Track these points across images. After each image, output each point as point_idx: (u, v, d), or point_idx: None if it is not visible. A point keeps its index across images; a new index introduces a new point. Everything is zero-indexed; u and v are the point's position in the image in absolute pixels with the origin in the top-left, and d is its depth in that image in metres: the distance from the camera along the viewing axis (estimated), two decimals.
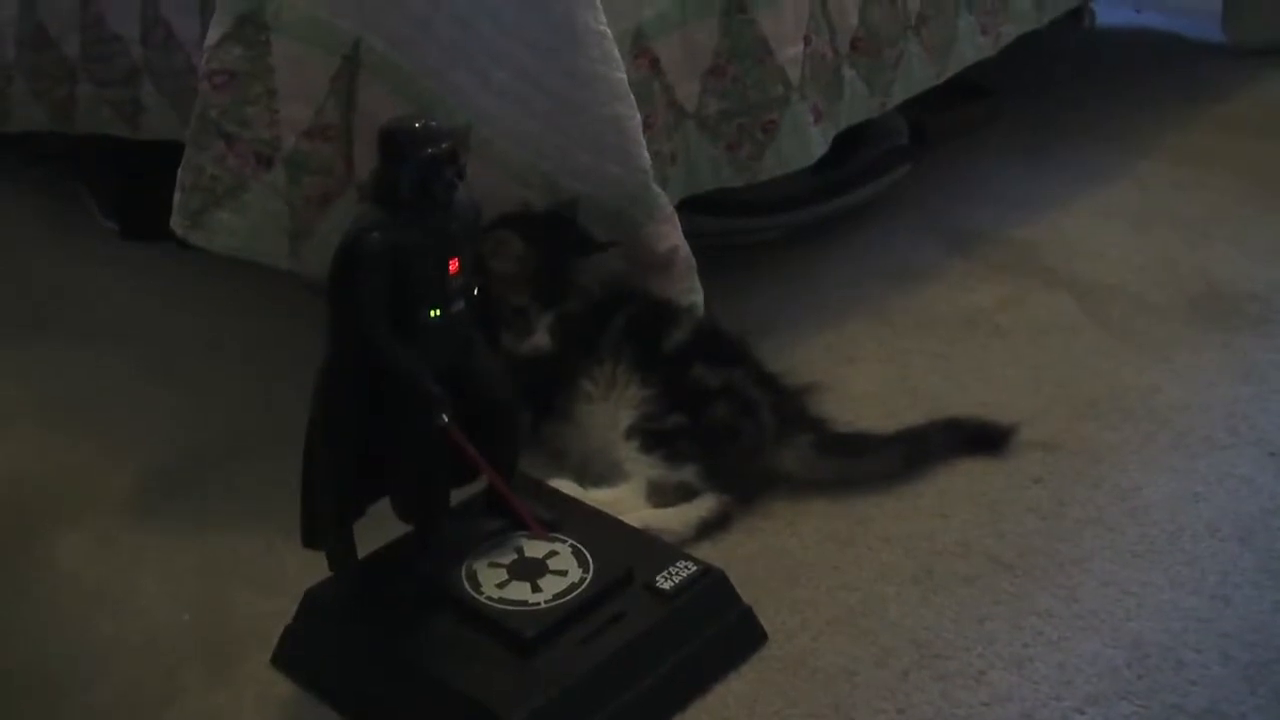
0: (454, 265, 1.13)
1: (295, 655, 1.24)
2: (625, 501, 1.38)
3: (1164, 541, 1.38)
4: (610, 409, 1.45)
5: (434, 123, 1.11)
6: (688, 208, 1.73)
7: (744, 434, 1.43)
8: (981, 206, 2.11)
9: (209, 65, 1.38)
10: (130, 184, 2.07)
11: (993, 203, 2.13)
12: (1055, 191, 2.16)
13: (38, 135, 2.06)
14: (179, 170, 1.42)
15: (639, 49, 1.55)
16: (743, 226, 1.96)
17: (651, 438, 1.41)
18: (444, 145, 1.10)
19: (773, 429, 1.45)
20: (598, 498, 1.37)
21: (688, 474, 1.40)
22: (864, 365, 1.72)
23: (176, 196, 1.42)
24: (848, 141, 2.01)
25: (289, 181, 1.41)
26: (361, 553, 1.22)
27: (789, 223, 1.98)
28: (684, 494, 1.40)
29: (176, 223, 1.42)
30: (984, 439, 1.53)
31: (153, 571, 1.39)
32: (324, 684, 1.21)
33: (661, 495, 1.39)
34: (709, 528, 1.40)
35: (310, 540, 1.19)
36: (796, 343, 1.75)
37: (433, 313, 1.13)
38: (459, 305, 1.15)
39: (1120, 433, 1.56)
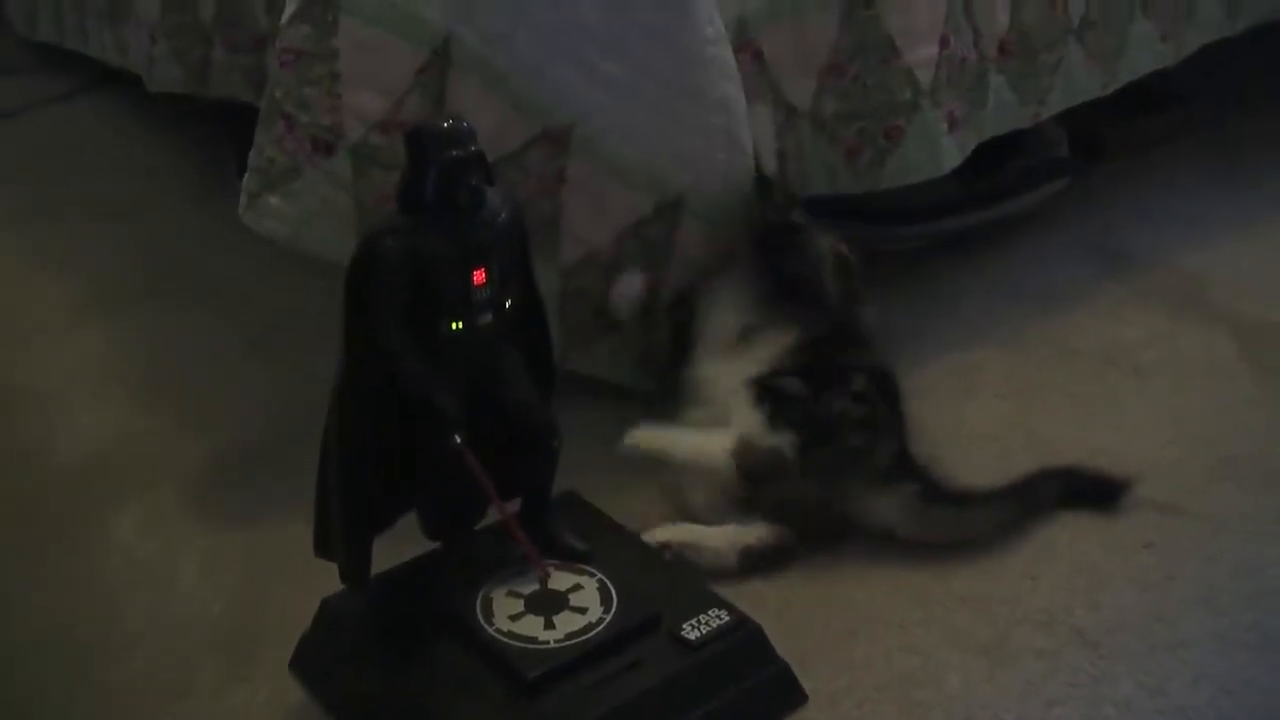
0: (479, 276, 1.06)
1: (309, 664, 1.19)
2: (706, 449, 1.31)
3: None
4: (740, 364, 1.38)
5: (465, 124, 1.04)
6: (820, 212, 1.63)
7: (854, 439, 1.32)
8: (1148, 228, 1.93)
9: (279, 43, 1.34)
10: None
11: (1162, 225, 1.94)
12: (1236, 217, 1.96)
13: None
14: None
15: (742, 40, 1.45)
16: (879, 235, 1.83)
17: (765, 393, 1.33)
18: (471, 148, 1.03)
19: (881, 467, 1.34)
20: (682, 441, 1.31)
21: (784, 443, 1.30)
22: (984, 398, 1.58)
23: (245, 175, 1.38)
24: (1004, 150, 1.87)
25: (355, 173, 1.35)
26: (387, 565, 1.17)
27: (929, 233, 1.85)
28: (772, 461, 1.30)
29: (240, 203, 1.39)
30: (1095, 491, 1.39)
31: (199, 555, 1.37)
32: (331, 698, 1.16)
33: (746, 456, 1.30)
34: (753, 558, 1.29)
35: (322, 551, 1.14)
36: (916, 365, 1.62)
37: (454, 325, 1.06)
38: (485, 318, 1.08)
39: (1255, 499, 1.39)
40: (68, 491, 1.48)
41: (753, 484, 1.31)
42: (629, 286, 1.47)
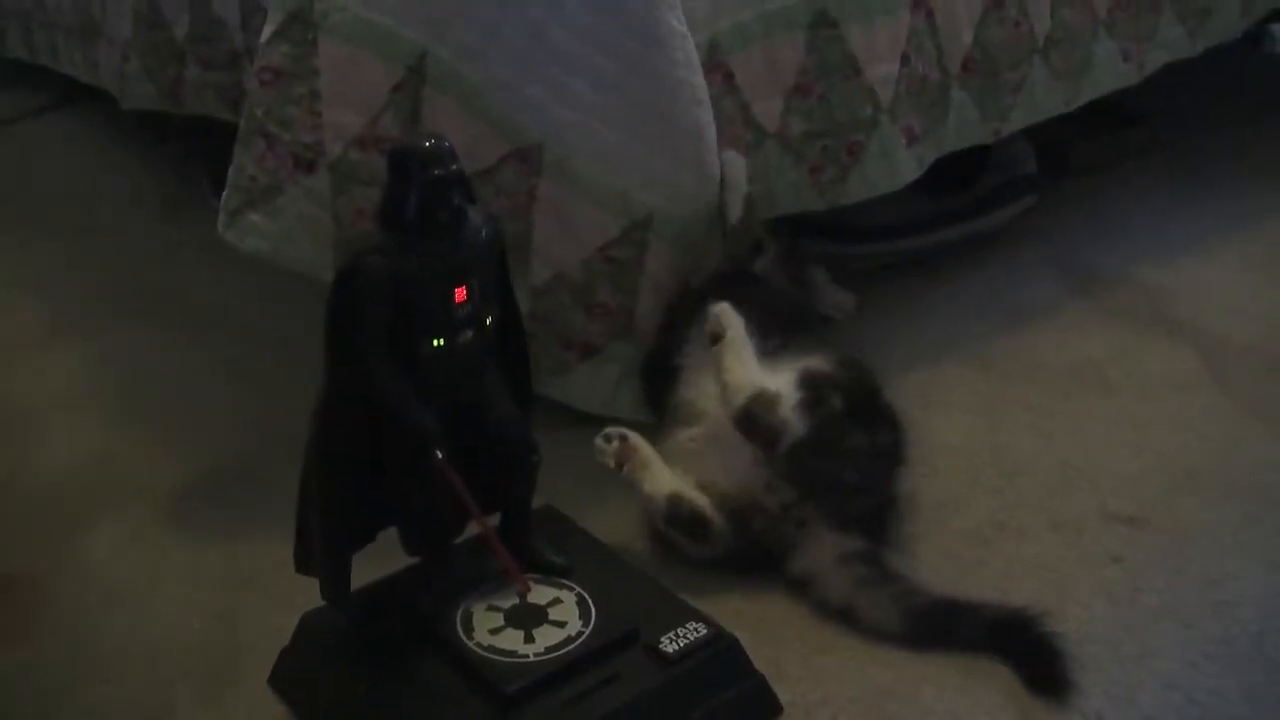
0: (460, 294, 1.07)
1: (289, 679, 1.20)
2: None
3: (1246, 645, 1.24)
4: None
5: (446, 143, 1.05)
6: (790, 230, 1.66)
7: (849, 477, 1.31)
8: (1114, 245, 1.96)
9: (259, 61, 1.35)
10: None
11: (1128, 241, 1.97)
12: (1201, 234, 1.99)
13: (166, 113, 2.07)
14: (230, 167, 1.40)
15: (713, 62, 1.47)
16: (849, 252, 1.86)
17: (814, 383, 1.31)
18: (453, 168, 1.04)
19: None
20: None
21: (797, 425, 1.28)
22: (952, 414, 1.60)
23: (224, 193, 1.39)
24: (973, 168, 1.90)
25: (334, 190, 1.37)
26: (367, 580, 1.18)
27: (898, 250, 1.87)
28: (775, 430, 1.27)
29: (220, 220, 1.40)
30: (1034, 664, 1.21)
31: (176, 574, 1.37)
32: (312, 713, 1.17)
33: (761, 407, 1.27)
34: (676, 513, 1.30)
35: (302, 567, 1.15)
36: (884, 381, 1.64)
37: (435, 342, 1.07)
38: (466, 335, 1.09)
39: (1220, 512, 1.42)
40: (42, 511, 1.47)
41: (747, 430, 1.28)
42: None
